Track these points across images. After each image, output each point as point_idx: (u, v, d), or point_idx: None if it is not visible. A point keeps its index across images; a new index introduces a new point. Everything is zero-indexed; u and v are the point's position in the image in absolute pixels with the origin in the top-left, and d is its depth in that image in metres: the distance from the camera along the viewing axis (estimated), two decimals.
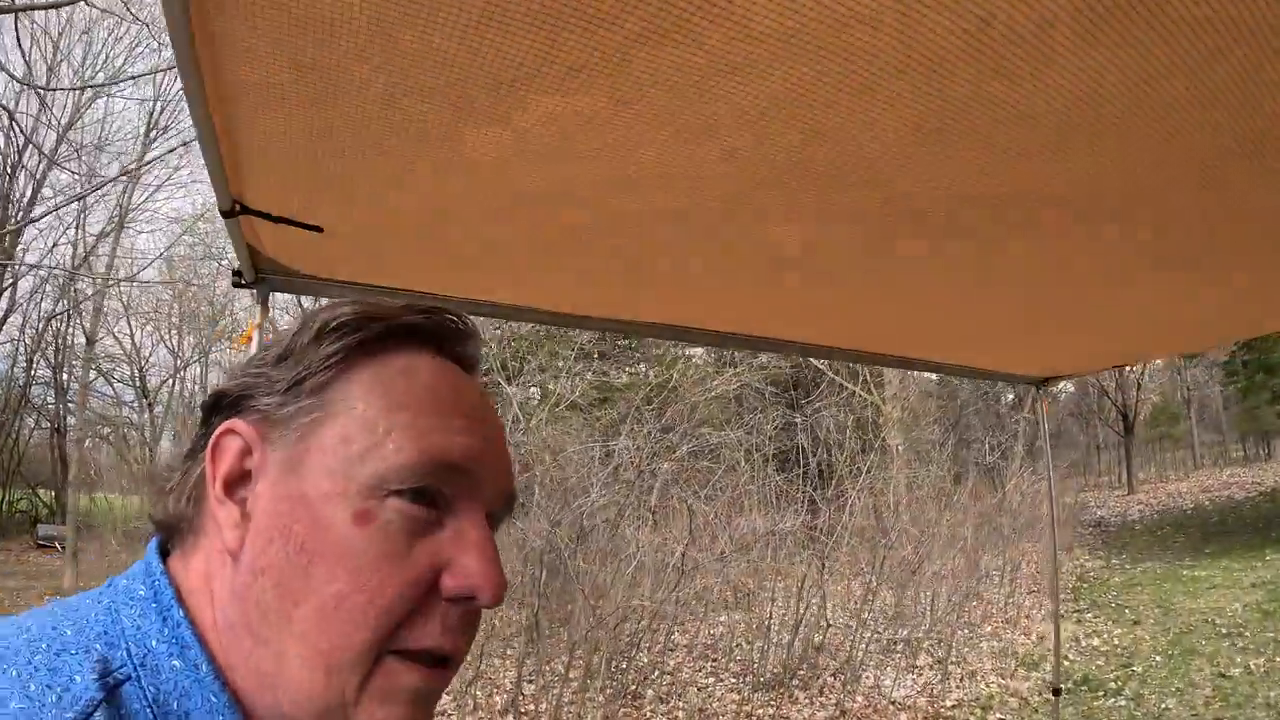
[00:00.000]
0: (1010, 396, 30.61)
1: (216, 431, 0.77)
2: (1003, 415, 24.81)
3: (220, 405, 0.80)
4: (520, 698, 8.70)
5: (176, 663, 0.69)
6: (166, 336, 27.47)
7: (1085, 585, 15.39)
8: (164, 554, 0.79)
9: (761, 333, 3.28)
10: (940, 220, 1.99)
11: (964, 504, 16.40)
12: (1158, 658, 10.49)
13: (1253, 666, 9.66)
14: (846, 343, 3.60)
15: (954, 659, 10.84)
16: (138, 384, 25.61)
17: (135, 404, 25.68)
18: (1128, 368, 31.39)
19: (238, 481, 0.76)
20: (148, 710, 0.65)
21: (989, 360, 3.88)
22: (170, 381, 27.64)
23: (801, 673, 10.00)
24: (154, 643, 0.69)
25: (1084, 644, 11.47)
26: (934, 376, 31.44)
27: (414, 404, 0.76)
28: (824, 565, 11.35)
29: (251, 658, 0.71)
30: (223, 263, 23.20)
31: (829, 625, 10.86)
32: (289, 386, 0.77)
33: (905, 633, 11.41)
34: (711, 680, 10.08)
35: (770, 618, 10.47)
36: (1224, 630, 11.21)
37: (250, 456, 0.76)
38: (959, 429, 21.87)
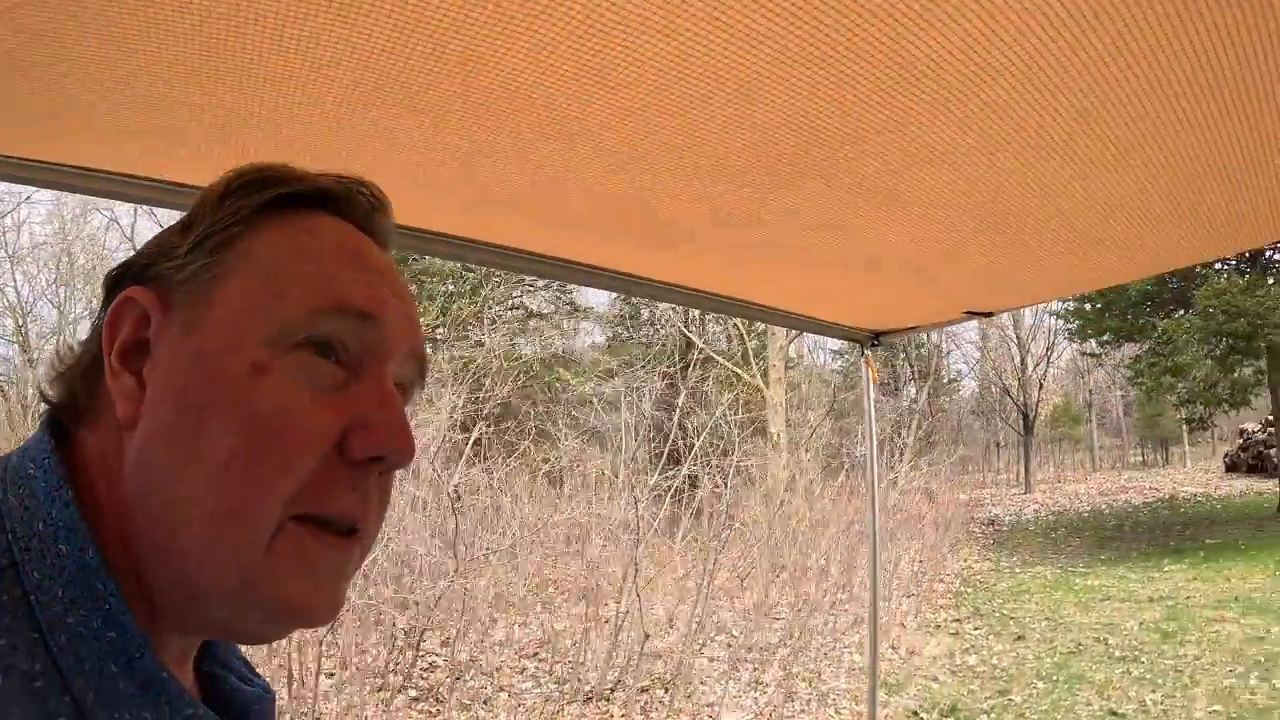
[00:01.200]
0: (912, 390, 29.88)
1: (114, 301, 0.72)
2: (900, 408, 24.08)
3: (124, 278, 0.75)
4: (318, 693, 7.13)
5: (63, 547, 0.63)
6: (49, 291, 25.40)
7: (969, 590, 13.92)
8: (63, 435, 0.72)
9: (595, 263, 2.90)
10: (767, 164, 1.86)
11: (845, 496, 15.32)
12: (1040, 684, 8.92)
13: (1149, 702, 8.13)
14: (679, 279, 3.15)
15: (806, 674, 9.24)
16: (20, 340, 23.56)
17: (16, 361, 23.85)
18: (1028, 368, 30.62)
19: (134, 351, 0.71)
20: (27, 598, 0.61)
21: (821, 310, 3.47)
22: (56, 338, 25.63)
23: (627, 684, 8.25)
24: (40, 525, 0.64)
25: (958, 661, 9.89)
26: (834, 364, 30.46)
27: (319, 256, 0.73)
28: (679, 562, 10.45)
29: (146, 534, 0.66)
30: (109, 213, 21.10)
31: (674, 629, 9.43)
32: (191, 248, 0.72)
33: (760, 639, 9.81)
34: (530, 685, 8.41)
35: (616, 617, 8.69)
36: (1117, 653, 9.72)
37: (149, 325, 0.71)
38: (847, 416, 20.57)
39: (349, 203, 0.79)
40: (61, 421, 0.73)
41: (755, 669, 9.27)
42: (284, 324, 0.68)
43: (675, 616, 9.67)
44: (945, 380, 39.02)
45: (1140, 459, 41.50)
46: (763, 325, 16.90)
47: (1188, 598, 12.02)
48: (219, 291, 0.70)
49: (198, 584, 0.66)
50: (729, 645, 9.76)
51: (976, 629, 11.30)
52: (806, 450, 16.85)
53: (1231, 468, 27.41)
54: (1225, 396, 17.27)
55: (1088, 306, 19.98)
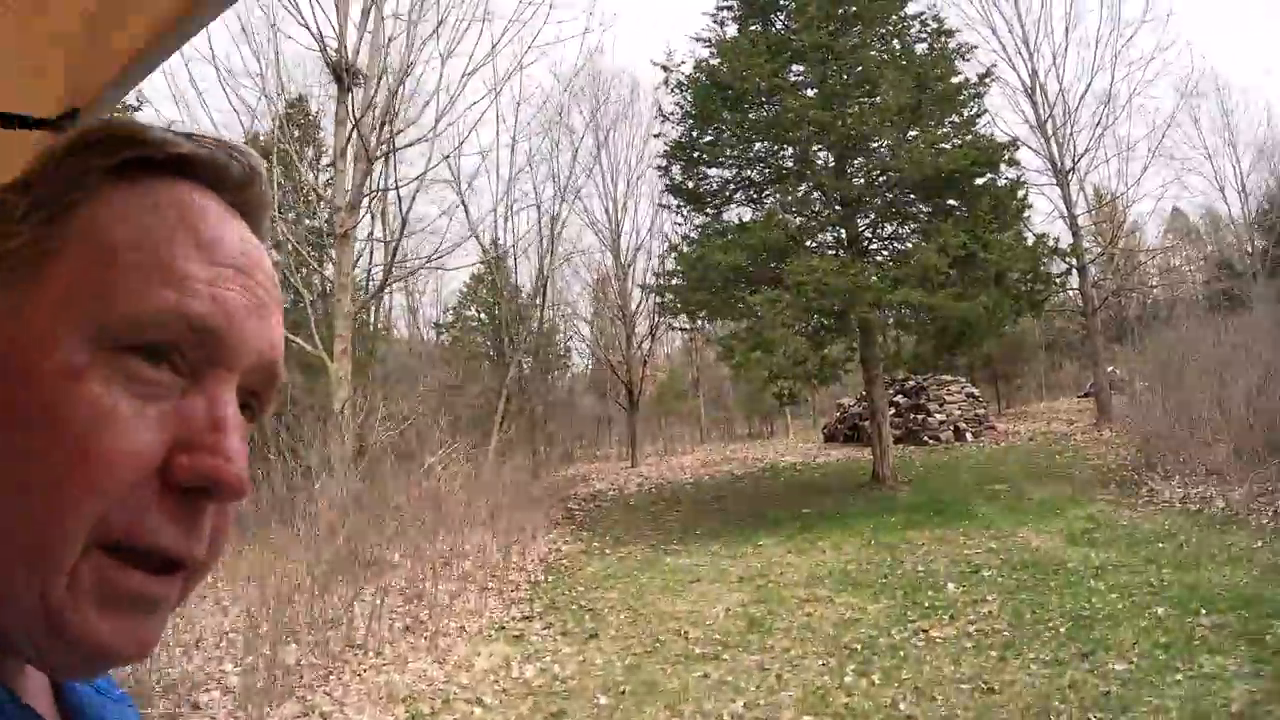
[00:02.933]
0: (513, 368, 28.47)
1: None
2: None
3: None
4: None
5: None
6: None
7: (550, 578, 12.18)
8: None
9: None
10: None
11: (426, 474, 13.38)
12: (603, 698, 7.13)
13: (727, 716, 6.56)
14: None
15: (328, 699, 7.04)
16: None
17: None
18: (633, 345, 29.96)
19: None
20: None
21: None
22: None
23: None
24: None
25: (514, 674, 7.96)
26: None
27: (162, 243, 0.61)
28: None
29: None
30: None
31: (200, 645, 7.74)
32: (23, 215, 0.61)
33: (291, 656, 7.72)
34: None
35: None
36: (697, 649, 8.17)
37: None
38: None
39: (215, 172, 0.67)
40: None
41: (275, 700, 6.92)
42: (109, 323, 0.57)
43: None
44: (554, 356, 38.06)
45: (748, 431, 42.59)
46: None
47: (780, 574, 10.89)
48: (48, 269, 0.59)
49: (2, 613, 0.56)
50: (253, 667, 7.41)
51: (547, 628, 9.47)
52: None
53: (830, 438, 28.23)
54: (814, 373, 16.91)
55: (677, 282, 19.15)
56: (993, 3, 27.68)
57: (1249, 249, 33.26)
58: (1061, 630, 7.57)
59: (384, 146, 16.68)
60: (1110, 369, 25.95)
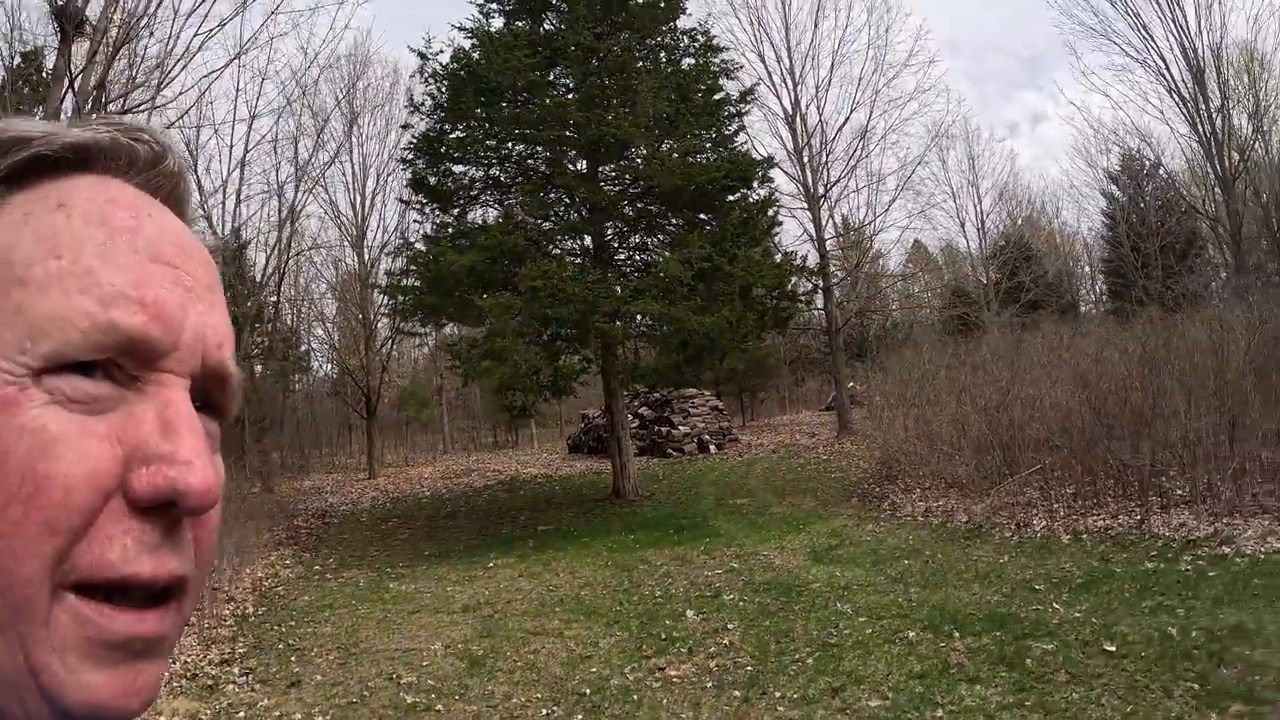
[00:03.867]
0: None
1: None
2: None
3: None
4: None
5: None
6: None
7: (262, 610, 10.76)
8: None
9: None
10: None
11: None
12: None
13: None
14: None
15: None
16: None
17: None
18: (372, 349, 28.40)
19: None
20: None
21: None
22: None
23: None
24: None
25: None
26: None
27: (73, 248, 0.54)
28: None
29: None
30: None
31: None
32: None
33: None
34: None
35: None
36: (409, 698, 7.03)
37: None
38: None
39: (120, 157, 0.60)
40: None
41: None
42: (34, 345, 0.51)
43: None
44: (294, 358, 35.87)
45: (493, 441, 41.51)
46: None
47: (509, 602, 9.90)
48: None
49: None
50: None
51: (246, 674, 8.09)
52: None
53: (574, 449, 27.74)
54: (547, 384, 16.15)
55: (408, 283, 17.97)
56: (764, 30, 28.02)
57: (983, 280, 35.24)
58: (809, 662, 6.96)
59: (108, 108, 14.63)
60: (851, 384, 26.64)
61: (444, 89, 17.36)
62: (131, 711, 0.51)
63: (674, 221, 17.89)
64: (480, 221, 18.11)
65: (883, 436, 17.04)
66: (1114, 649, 6.33)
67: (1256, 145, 30.29)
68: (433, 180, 18.18)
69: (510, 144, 17.71)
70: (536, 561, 12.16)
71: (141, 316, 0.53)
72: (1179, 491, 10.27)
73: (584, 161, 17.62)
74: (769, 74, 27.12)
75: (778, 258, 18.63)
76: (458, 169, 18.38)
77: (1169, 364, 11.53)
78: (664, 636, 8.06)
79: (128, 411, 0.52)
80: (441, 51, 17.57)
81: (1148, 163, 34.58)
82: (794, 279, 19.35)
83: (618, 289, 15.49)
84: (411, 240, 19.58)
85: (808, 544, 11.51)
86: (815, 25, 28.97)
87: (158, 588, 0.52)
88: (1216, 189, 30.41)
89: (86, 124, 0.60)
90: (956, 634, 7.08)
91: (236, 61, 18.05)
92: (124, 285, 0.53)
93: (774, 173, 19.07)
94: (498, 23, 17.65)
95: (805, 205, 26.19)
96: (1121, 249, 33.73)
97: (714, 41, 18.46)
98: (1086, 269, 47.78)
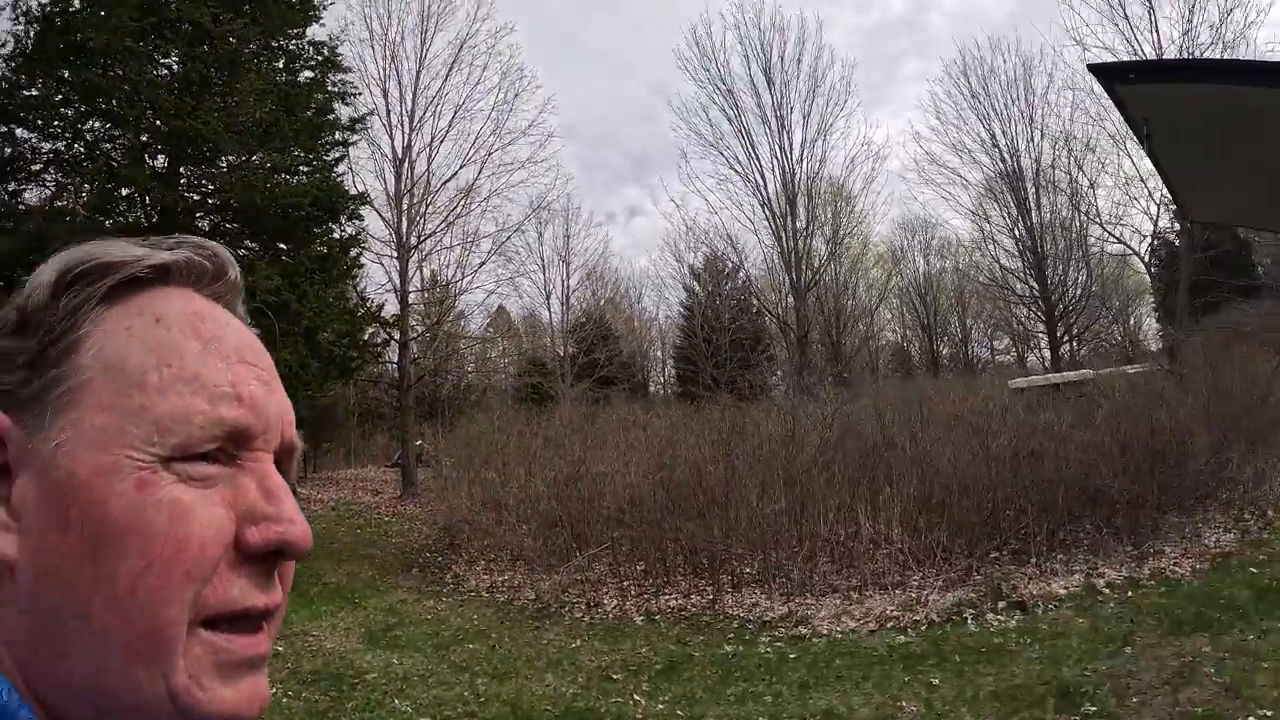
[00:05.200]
0: None
1: None
2: None
3: None
4: None
5: None
6: None
7: None
8: None
9: None
10: None
11: None
12: None
13: None
14: None
15: None
16: None
17: None
18: None
19: None
20: None
21: None
22: None
23: None
24: None
25: None
26: None
27: (176, 355, 0.68)
28: None
29: (59, 672, 0.62)
30: None
31: None
32: (32, 358, 0.67)
33: None
34: None
35: None
36: None
37: (6, 448, 0.65)
38: None
39: (192, 272, 0.74)
40: None
41: None
42: (162, 439, 0.64)
43: None
44: None
45: None
46: None
47: None
48: (75, 408, 0.65)
49: (127, 711, 0.62)
50: None
51: None
52: None
53: None
54: None
55: None
56: (395, 67, 27.12)
57: (560, 352, 36.20)
58: None
59: None
60: (419, 443, 26.10)
61: (32, 33, 14.65)
62: (253, 715, 0.65)
63: (250, 245, 16.39)
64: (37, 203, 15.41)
65: (448, 502, 16.58)
66: None
67: (830, 266, 34.22)
68: None
69: (89, 119, 15.32)
70: None
71: (240, 410, 0.67)
72: (748, 570, 10.62)
73: (165, 158, 15.67)
74: (388, 111, 26.32)
75: (352, 303, 17.72)
76: (21, 133, 15.39)
77: (741, 450, 12.10)
78: None
79: (235, 484, 0.66)
80: None
81: (730, 264, 37.74)
82: (369, 328, 18.52)
83: None
84: None
85: (364, 622, 10.72)
86: (447, 75, 28.42)
87: (262, 617, 0.66)
88: (790, 296, 33.85)
89: (162, 244, 0.73)
90: None
91: None
92: (225, 385, 0.67)
93: (367, 214, 18.22)
94: None
95: (395, 254, 25.48)
96: (695, 338, 36.38)
97: (339, 59, 17.51)
98: (659, 353, 50.97)
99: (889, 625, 8.60)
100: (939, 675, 7.08)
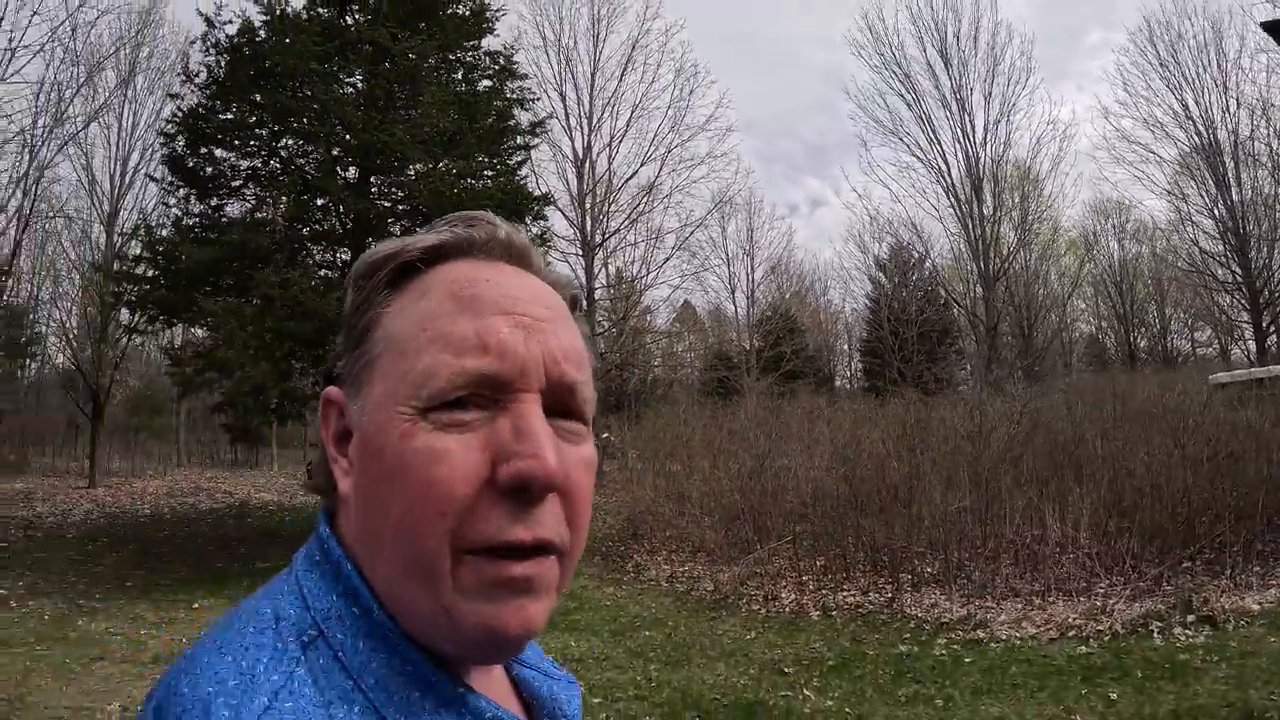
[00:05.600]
0: None
1: (321, 402, 0.86)
2: None
3: (329, 379, 0.88)
4: None
5: (355, 610, 0.75)
6: None
7: None
8: (333, 519, 0.85)
9: None
10: None
11: None
12: None
13: None
14: None
15: None
16: None
17: None
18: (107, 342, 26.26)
19: (344, 438, 0.83)
20: (335, 661, 0.72)
21: None
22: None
23: None
24: (334, 598, 0.76)
25: None
26: None
27: (435, 320, 0.78)
28: None
29: (376, 579, 0.77)
30: None
31: None
32: (347, 346, 0.85)
33: None
34: None
35: None
36: None
37: (345, 416, 0.83)
38: None
39: (463, 245, 0.84)
40: (330, 510, 0.85)
41: None
42: (415, 395, 0.75)
43: None
44: (23, 340, 32.72)
45: (234, 457, 39.03)
46: None
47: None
48: (369, 376, 0.80)
49: (419, 626, 0.74)
50: None
51: None
52: None
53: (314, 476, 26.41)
54: (273, 407, 15.04)
55: (141, 271, 16.44)
56: (570, 70, 27.88)
57: (746, 346, 36.18)
58: None
59: None
60: (606, 435, 26.62)
61: (223, 63, 15.85)
62: (519, 635, 0.73)
63: None
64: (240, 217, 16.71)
65: (632, 493, 16.90)
66: None
67: (1020, 254, 32.68)
68: (191, 163, 16.57)
69: (282, 137, 16.47)
70: (230, 598, 11.17)
71: (486, 358, 0.75)
72: (928, 569, 10.45)
73: (356, 169, 16.68)
74: (566, 114, 27.05)
75: None
76: (220, 154, 16.75)
77: (926, 445, 11.86)
78: None
79: (492, 426, 0.74)
80: (230, 22, 16.03)
81: (916, 254, 36.65)
82: None
83: None
84: (152, 225, 17.92)
85: None
86: (622, 76, 29.02)
87: (528, 547, 0.73)
88: (978, 286, 32.50)
89: (434, 229, 0.85)
90: None
91: None
92: (471, 337, 0.75)
93: (552, 214, 18.71)
94: (298, 3, 16.37)
95: (580, 251, 26.13)
96: (881, 331, 35.46)
97: (515, 68, 18.08)
98: (845, 347, 50.25)
99: (1070, 634, 8.28)
100: (1118, 690, 6.81)
